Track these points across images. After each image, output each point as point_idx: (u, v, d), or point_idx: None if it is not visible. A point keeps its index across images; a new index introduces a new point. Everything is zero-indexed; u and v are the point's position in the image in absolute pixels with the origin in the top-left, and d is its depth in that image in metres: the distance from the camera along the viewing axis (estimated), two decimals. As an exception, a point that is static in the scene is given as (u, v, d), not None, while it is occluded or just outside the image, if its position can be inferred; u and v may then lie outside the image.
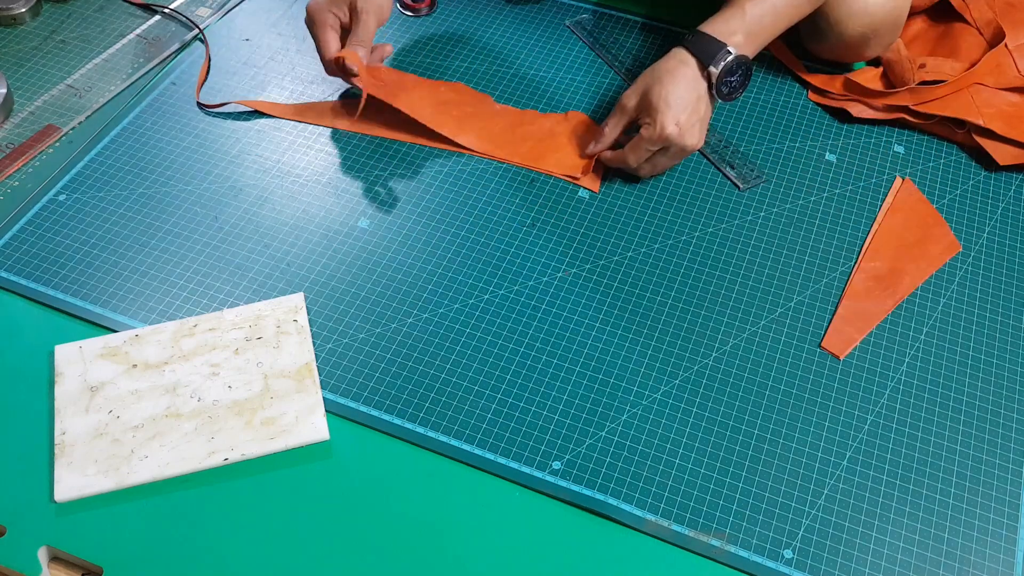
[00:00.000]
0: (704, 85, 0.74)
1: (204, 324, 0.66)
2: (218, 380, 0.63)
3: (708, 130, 0.80)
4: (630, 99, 0.76)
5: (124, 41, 0.91)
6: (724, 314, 0.71)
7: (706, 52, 0.73)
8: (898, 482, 0.62)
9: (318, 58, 0.88)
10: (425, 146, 0.82)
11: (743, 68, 0.75)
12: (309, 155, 0.81)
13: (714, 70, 0.73)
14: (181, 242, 0.73)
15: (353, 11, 0.77)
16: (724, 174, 0.80)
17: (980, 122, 0.82)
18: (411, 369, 0.66)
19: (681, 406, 0.65)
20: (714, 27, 0.75)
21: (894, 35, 0.85)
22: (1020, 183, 0.82)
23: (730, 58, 0.73)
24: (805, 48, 0.91)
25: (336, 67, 0.78)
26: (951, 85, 0.84)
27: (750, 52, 0.75)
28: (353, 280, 0.71)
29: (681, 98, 0.72)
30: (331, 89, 0.86)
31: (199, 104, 0.84)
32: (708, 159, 0.81)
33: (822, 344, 0.69)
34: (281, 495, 0.60)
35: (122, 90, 0.86)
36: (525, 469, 0.61)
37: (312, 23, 0.78)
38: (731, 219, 0.78)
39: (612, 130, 0.78)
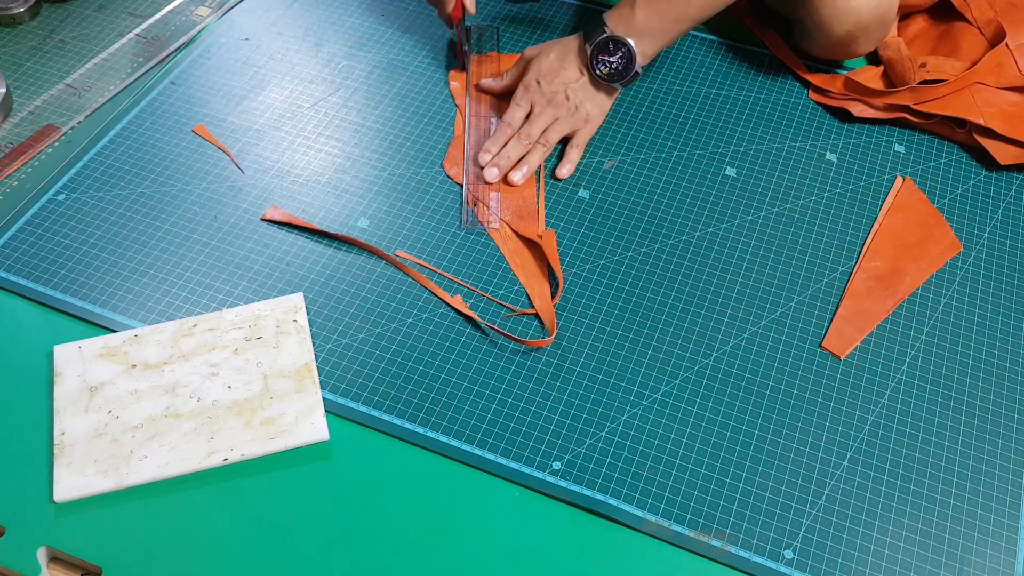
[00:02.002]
0: (579, 60, 0.79)
1: (204, 324, 0.66)
2: (218, 380, 0.63)
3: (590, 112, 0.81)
4: (524, 58, 0.83)
5: (123, 41, 0.91)
6: (724, 314, 0.71)
7: (588, 33, 0.79)
8: (899, 482, 0.62)
9: (316, 56, 0.88)
10: (432, 150, 0.82)
11: (622, 50, 0.77)
12: (309, 155, 0.81)
13: (587, 47, 0.78)
14: (180, 242, 0.73)
15: None
16: None
17: (981, 121, 0.82)
18: (411, 369, 0.66)
19: (681, 406, 0.65)
20: (608, 14, 0.79)
21: (884, 32, 0.85)
22: (1021, 183, 0.82)
23: (601, 37, 0.77)
24: (798, 47, 0.91)
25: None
26: (952, 84, 0.84)
27: (636, 39, 0.77)
28: (353, 280, 0.71)
29: (552, 68, 0.80)
30: (331, 88, 0.86)
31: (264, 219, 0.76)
32: None
33: (823, 344, 0.69)
34: (281, 495, 0.59)
35: (121, 90, 0.86)
36: (525, 469, 0.61)
37: None
38: (731, 219, 0.78)
39: (508, 78, 0.84)
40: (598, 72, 0.78)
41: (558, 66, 0.80)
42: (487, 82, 0.84)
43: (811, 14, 0.83)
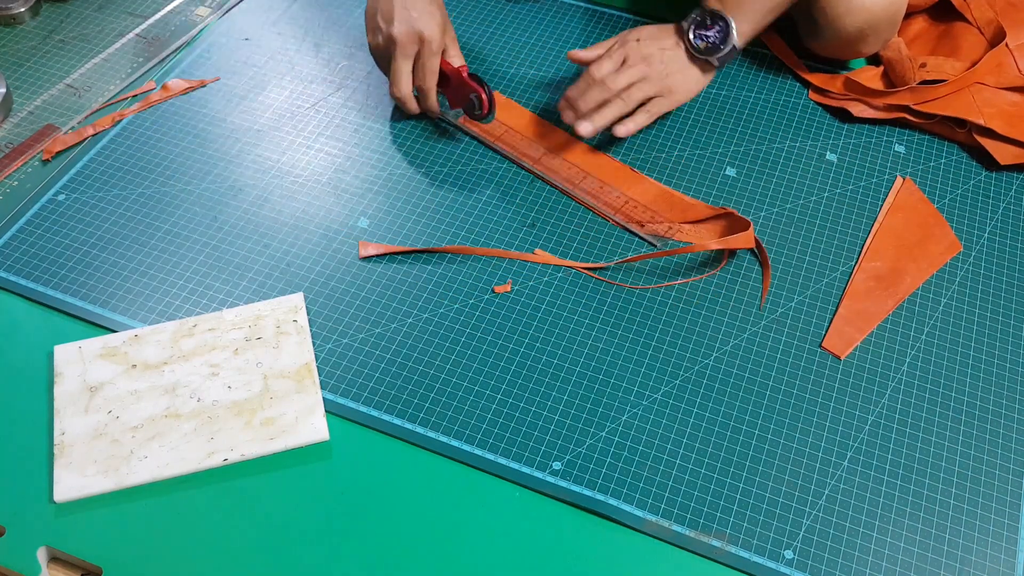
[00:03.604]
0: (675, 40, 0.78)
1: (204, 324, 0.66)
2: (218, 380, 0.63)
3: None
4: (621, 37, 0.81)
5: (123, 41, 0.91)
6: (724, 314, 0.71)
7: (686, 15, 0.78)
8: (899, 482, 0.62)
9: (316, 56, 0.88)
10: (432, 150, 0.82)
11: (719, 24, 0.77)
12: (309, 155, 0.81)
13: (684, 24, 0.78)
14: (180, 242, 0.73)
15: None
16: None
17: (981, 121, 0.82)
18: (411, 369, 0.66)
19: (681, 407, 0.65)
20: None
21: (892, 31, 0.85)
22: (1021, 183, 0.82)
23: (698, 12, 0.77)
24: (804, 46, 0.91)
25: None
26: (952, 84, 0.84)
27: (733, 15, 0.76)
28: (353, 280, 0.71)
29: (651, 35, 0.79)
30: (331, 88, 0.86)
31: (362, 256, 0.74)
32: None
33: (823, 344, 0.69)
34: (281, 495, 0.59)
35: (121, 89, 0.86)
36: (525, 469, 0.61)
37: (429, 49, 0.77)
38: (731, 219, 0.78)
39: (598, 47, 0.80)
40: (696, 45, 0.77)
41: (657, 33, 0.79)
42: (579, 52, 0.80)
43: (823, 10, 0.83)
